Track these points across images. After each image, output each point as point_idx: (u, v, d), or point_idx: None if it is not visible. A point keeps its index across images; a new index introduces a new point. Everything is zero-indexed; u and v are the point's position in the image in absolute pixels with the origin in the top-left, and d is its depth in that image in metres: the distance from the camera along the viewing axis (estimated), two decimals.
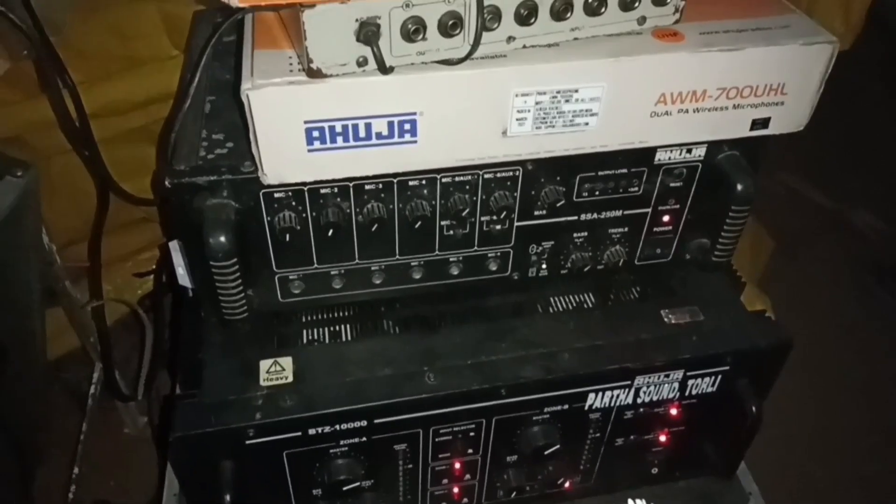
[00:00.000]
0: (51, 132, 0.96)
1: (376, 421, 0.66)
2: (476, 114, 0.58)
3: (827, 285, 1.78)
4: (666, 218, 0.71)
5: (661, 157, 0.67)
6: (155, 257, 1.21)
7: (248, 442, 0.64)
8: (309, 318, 0.74)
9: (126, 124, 1.04)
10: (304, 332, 0.72)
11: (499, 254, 0.70)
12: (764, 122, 0.65)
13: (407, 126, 0.57)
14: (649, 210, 0.70)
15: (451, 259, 0.70)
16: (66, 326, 1.21)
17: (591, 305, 0.76)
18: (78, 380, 1.32)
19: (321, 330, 0.73)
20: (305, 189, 0.61)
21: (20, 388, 1.04)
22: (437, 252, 0.69)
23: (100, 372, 1.19)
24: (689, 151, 0.67)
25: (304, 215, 0.62)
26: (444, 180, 0.63)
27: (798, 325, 0.85)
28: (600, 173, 0.66)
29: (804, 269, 1.83)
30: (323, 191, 0.61)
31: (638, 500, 0.85)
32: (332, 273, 0.68)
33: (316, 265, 0.67)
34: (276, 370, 0.67)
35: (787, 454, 1.35)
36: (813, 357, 1.49)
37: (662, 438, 0.78)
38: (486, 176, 0.64)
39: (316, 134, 0.56)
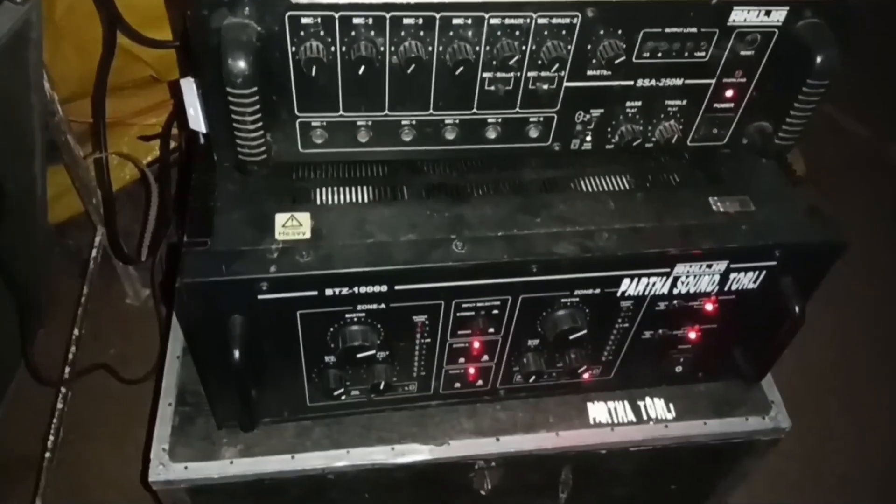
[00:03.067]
0: None
1: (397, 287, 0.62)
2: None
3: (855, 220, 1.71)
4: (729, 93, 0.65)
5: (736, 17, 0.59)
6: (161, 122, 1.14)
7: (260, 297, 0.59)
8: (330, 174, 0.68)
9: None
10: (324, 190, 0.67)
11: (541, 119, 0.64)
12: None
13: None
14: (713, 82, 0.63)
15: (489, 120, 0.63)
16: (68, 189, 1.16)
17: (634, 187, 0.70)
18: (80, 246, 1.28)
19: (342, 189, 0.67)
20: (336, 16, 0.54)
21: (21, 241, 1.00)
22: (474, 110, 0.62)
23: (102, 237, 1.15)
24: (767, 14, 0.59)
25: (332, 48, 0.55)
26: (492, 21, 0.56)
27: None
28: (667, 30, 0.59)
29: (832, 200, 1.76)
30: (356, 20, 0.54)
31: (656, 399, 0.82)
32: (359, 124, 0.62)
33: (342, 112, 0.60)
34: (292, 224, 0.62)
35: (806, 389, 1.33)
36: (835, 293, 1.44)
37: (692, 335, 0.74)
38: (541, 21, 0.56)
39: None
